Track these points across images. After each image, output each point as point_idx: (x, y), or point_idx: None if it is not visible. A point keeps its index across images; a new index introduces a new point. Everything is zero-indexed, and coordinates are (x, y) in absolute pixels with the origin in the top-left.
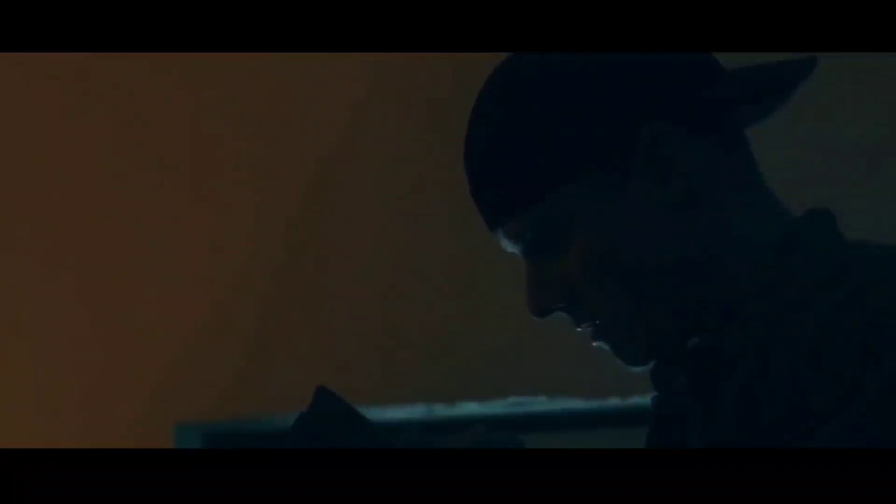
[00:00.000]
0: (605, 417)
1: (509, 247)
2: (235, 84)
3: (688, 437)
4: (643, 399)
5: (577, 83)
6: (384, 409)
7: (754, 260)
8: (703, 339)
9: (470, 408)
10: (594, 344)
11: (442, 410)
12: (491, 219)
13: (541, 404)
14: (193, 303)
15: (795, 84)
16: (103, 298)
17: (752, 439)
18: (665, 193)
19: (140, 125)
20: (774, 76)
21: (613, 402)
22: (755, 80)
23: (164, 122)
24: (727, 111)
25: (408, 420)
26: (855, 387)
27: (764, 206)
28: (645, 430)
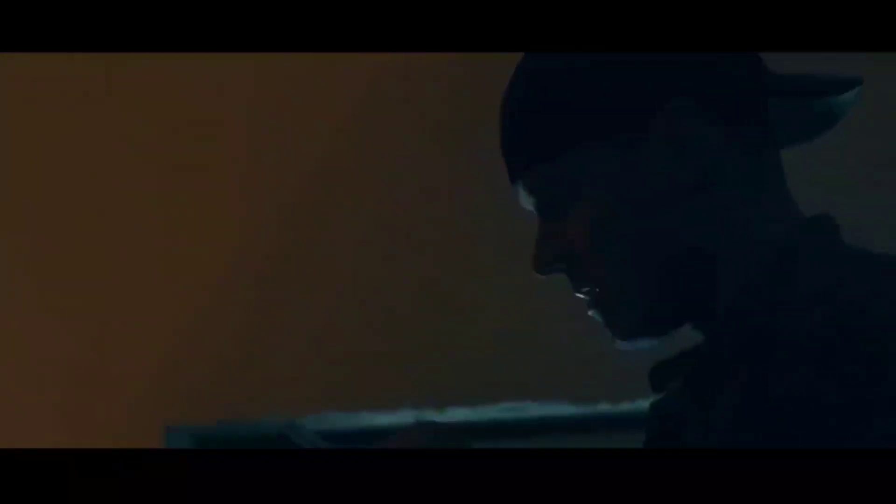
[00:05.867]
0: (596, 423)
1: (525, 202)
2: (235, 82)
3: (686, 440)
4: (633, 404)
5: (610, 65)
6: (374, 415)
7: (754, 258)
8: (701, 341)
9: (460, 413)
10: (589, 312)
11: (432, 416)
12: (513, 169)
13: (531, 409)
14: (183, 303)
15: (832, 91)
16: (92, 298)
17: (750, 443)
18: (677, 171)
19: (132, 122)
20: (813, 81)
21: (603, 407)
22: (791, 79)
23: (157, 120)
24: (757, 106)
25: (396, 426)
26: (860, 394)
27: (775, 206)
28: (635, 434)
